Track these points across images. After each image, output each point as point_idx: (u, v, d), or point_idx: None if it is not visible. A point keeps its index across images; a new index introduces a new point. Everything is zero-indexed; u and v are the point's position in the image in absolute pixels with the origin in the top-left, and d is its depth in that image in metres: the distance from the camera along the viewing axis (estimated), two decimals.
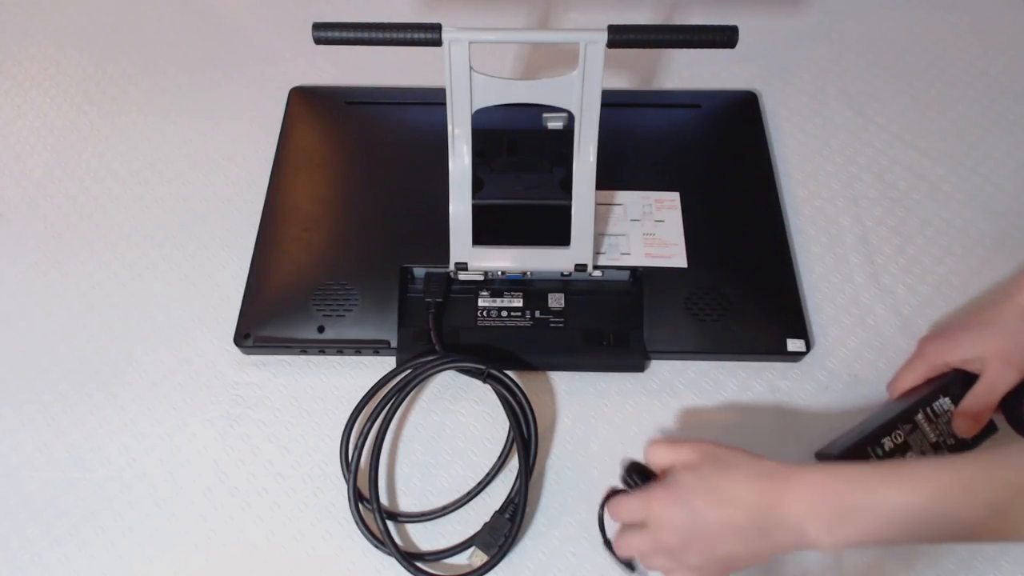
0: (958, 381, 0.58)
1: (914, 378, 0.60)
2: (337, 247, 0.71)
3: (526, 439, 0.62)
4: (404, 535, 0.61)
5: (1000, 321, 0.57)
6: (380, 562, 0.59)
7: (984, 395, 0.56)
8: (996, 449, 0.48)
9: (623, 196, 0.73)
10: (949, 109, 0.84)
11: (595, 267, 0.68)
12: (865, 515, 0.43)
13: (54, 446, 0.64)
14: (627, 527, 0.51)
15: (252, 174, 0.78)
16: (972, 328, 0.58)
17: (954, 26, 0.90)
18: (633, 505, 0.50)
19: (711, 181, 0.75)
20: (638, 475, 0.52)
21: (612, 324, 0.67)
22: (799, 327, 0.67)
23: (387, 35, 0.57)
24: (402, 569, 0.58)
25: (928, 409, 0.58)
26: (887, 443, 0.57)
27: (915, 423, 0.58)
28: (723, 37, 0.58)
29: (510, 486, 0.61)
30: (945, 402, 0.58)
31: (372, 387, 0.64)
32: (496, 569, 0.58)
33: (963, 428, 0.57)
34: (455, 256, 0.67)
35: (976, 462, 0.44)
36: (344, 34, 0.58)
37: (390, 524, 0.59)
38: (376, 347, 0.67)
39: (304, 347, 0.67)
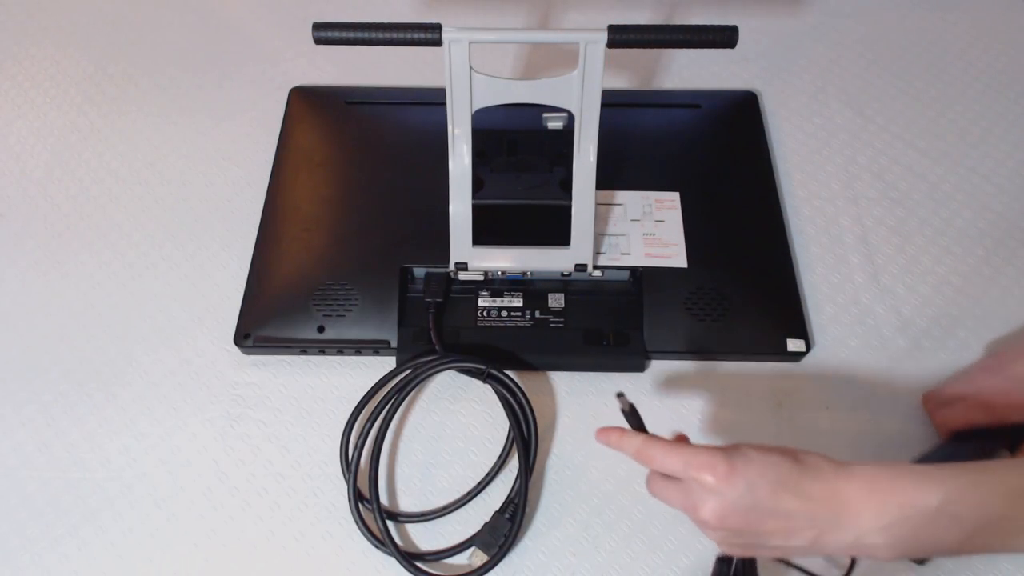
0: (1016, 434, 0.58)
1: (965, 410, 0.58)
2: (337, 247, 0.71)
3: (526, 439, 0.62)
4: (404, 535, 0.61)
5: None
6: (380, 562, 0.59)
7: None
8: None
9: (623, 196, 0.73)
10: (949, 109, 0.84)
11: (595, 267, 0.68)
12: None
13: (54, 446, 0.64)
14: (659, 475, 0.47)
15: (252, 174, 0.78)
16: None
17: (954, 26, 0.90)
18: (672, 462, 0.46)
19: (711, 181, 0.75)
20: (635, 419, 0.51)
21: (612, 324, 0.67)
22: (799, 327, 0.67)
23: (387, 35, 0.57)
24: (402, 569, 0.58)
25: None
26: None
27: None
28: (723, 37, 0.58)
29: (510, 486, 0.61)
30: (1004, 455, 0.58)
31: (372, 387, 0.64)
32: (496, 569, 0.58)
33: None
34: (455, 256, 0.67)
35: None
36: (344, 34, 0.58)
37: (390, 524, 0.59)
38: (376, 347, 0.67)
39: (304, 347, 0.67)
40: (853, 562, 0.55)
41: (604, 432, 0.49)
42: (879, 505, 0.42)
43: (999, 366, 0.59)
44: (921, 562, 0.56)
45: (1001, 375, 0.59)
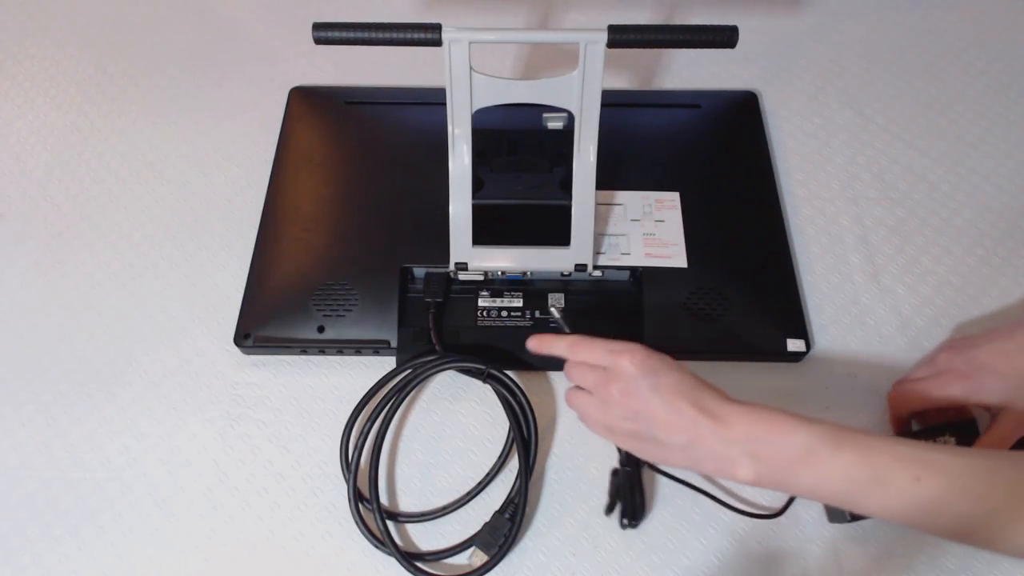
0: (965, 425, 0.58)
1: (927, 390, 0.58)
2: (337, 247, 0.71)
3: (526, 439, 0.62)
4: (404, 535, 0.61)
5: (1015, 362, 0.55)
6: (380, 562, 0.59)
7: (994, 445, 0.55)
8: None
9: (623, 196, 0.73)
10: (949, 109, 0.84)
11: (595, 267, 0.68)
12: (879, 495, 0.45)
13: (54, 446, 0.64)
14: (580, 370, 0.54)
15: (252, 174, 0.78)
16: (998, 375, 0.55)
17: (954, 26, 0.90)
18: (597, 349, 0.52)
19: (711, 181, 0.75)
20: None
21: (612, 324, 0.67)
22: (799, 327, 0.67)
23: (387, 35, 0.57)
24: (402, 569, 0.58)
25: (930, 437, 0.59)
26: None
27: None
28: (723, 37, 0.58)
29: (510, 486, 0.61)
30: (949, 442, 0.58)
31: (372, 387, 0.64)
32: (496, 569, 0.58)
33: None
34: (455, 256, 0.67)
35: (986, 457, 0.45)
36: (344, 34, 0.58)
37: (390, 524, 0.59)
38: (376, 347, 0.67)
39: (304, 347, 0.67)
40: (790, 500, 0.60)
41: (536, 339, 0.57)
42: (752, 427, 0.47)
43: (961, 351, 0.58)
44: (853, 519, 0.57)
45: (962, 357, 0.58)
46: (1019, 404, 0.55)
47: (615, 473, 0.59)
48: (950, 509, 0.44)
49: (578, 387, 0.54)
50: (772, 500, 0.61)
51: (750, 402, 0.49)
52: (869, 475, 0.45)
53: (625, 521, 0.59)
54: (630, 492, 0.58)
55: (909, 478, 0.44)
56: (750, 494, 0.61)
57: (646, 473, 0.60)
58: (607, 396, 0.51)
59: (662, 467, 0.60)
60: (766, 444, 0.47)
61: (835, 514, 0.59)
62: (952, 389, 0.57)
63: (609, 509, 0.60)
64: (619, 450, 0.58)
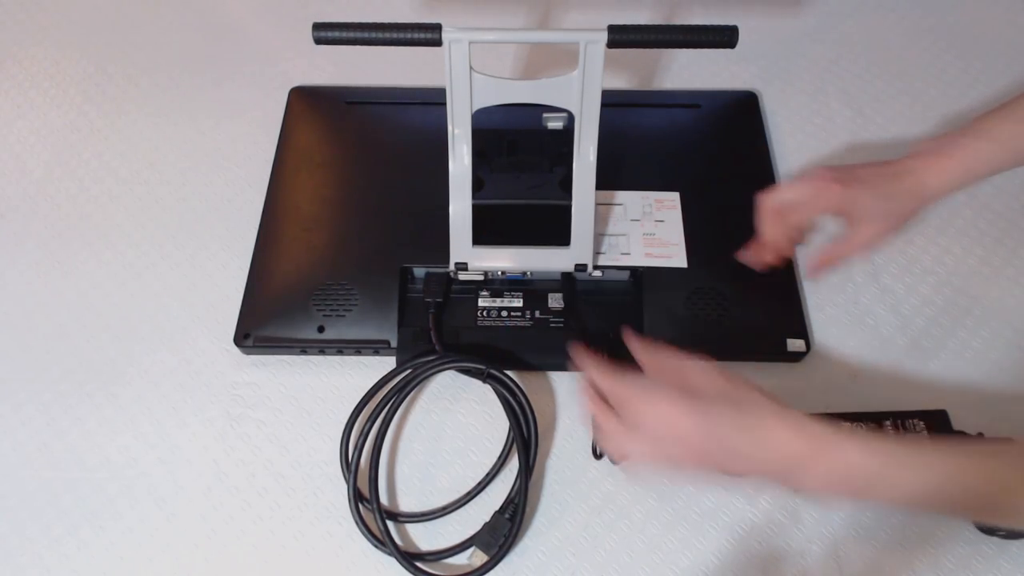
0: (937, 418, 0.61)
1: (792, 193, 0.61)
2: (337, 247, 0.71)
3: (526, 439, 0.62)
4: (404, 535, 0.61)
5: (896, 190, 0.58)
6: (380, 562, 0.59)
7: (848, 240, 0.60)
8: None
9: (623, 196, 0.73)
10: (949, 109, 0.84)
11: (595, 267, 0.68)
12: (881, 493, 0.47)
13: (54, 446, 0.64)
14: (604, 406, 0.52)
15: (252, 174, 0.78)
16: (868, 186, 0.58)
17: (954, 26, 0.90)
18: (624, 390, 0.51)
19: (711, 181, 0.75)
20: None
21: (612, 324, 0.67)
22: (799, 327, 0.67)
23: (387, 35, 0.57)
24: (402, 569, 0.58)
25: (899, 421, 0.61)
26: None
27: (882, 427, 0.61)
28: (723, 37, 0.58)
29: (510, 486, 0.61)
30: (919, 425, 0.61)
31: (372, 387, 0.64)
32: (496, 569, 0.58)
33: (811, 265, 0.64)
34: (455, 256, 0.67)
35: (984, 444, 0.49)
36: (344, 34, 0.58)
37: (390, 524, 0.59)
38: (376, 347, 0.67)
39: (304, 347, 0.67)
40: None
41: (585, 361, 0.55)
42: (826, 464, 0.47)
43: (839, 168, 0.60)
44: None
45: (841, 170, 0.60)
46: (880, 218, 0.59)
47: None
48: (959, 490, 0.46)
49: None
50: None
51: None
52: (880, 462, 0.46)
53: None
54: None
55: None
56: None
57: None
58: (666, 455, 0.51)
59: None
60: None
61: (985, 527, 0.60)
62: (829, 192, 0.59)
63: (596, 452, 0.63)
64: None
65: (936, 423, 0.61)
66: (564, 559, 0.59)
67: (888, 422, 0.61)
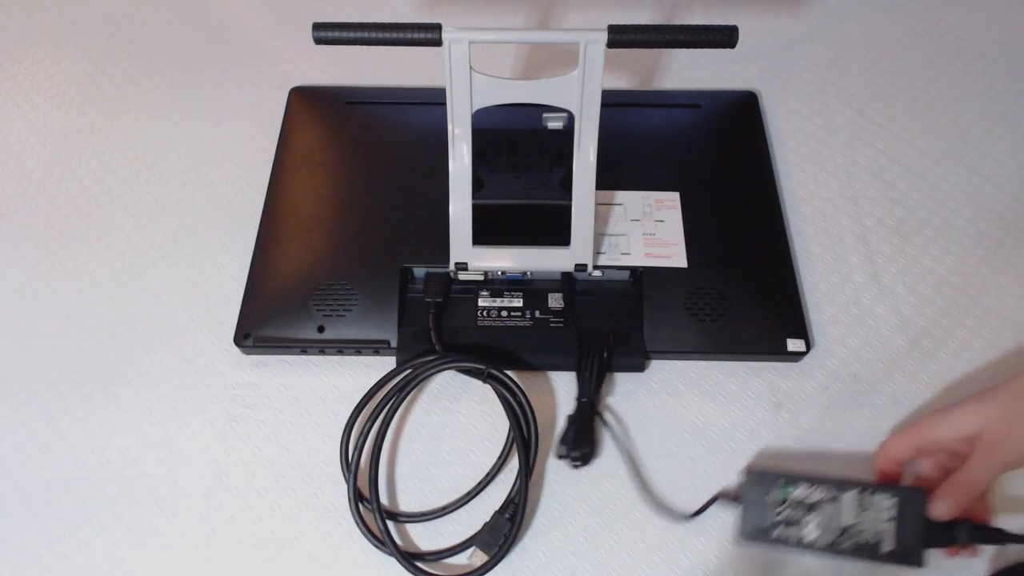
0: (918, 496, 0.53)
1: (902, 445, 0.56)
2: (337, 247, 0.71)
3: (526, 439, 0.62)
4: (404, 535, 0.61)
5: (998, 396, 0.53)
6: (380, 562, 0.59)
7: (976, 469, 0.52)
8: None
9: (623, 196, 0.73)
10: (949, 109, 0.84)
11: (595, 267, 0.68)
12: None
13: (54, 446, 0.64)
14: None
15: (252, 174, 0.78)
16: (970, 402, 0.54)
17: (954, 26, 0.90)
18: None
19: (711, 181, 0.75)
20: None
21: (612, 324, 0.67)
22: (799, 327, 0.67)
23: (387, 35, 0.57)
24: (402, 569, 0.58)
25: (865, 492, 0.53)
26: (798, 491, 0.54)
27: (838, 497, 0.53)
28: (723, 37, 0.58)
29: (510, 486, 0.61)
30: (889, 502, 0.53)
31: (372, 387, 0.64)
32: (496, 569, 0.58)
33: (940, 509, 0.52)
34: (455, 256, 0.67)
35: None
36: (344, 34, 0.58)
37: (390, 524, 0.59)
38: (376, 347, 0.67)
39: (304, 347, 0.67)
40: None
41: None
42: None
43: (945, 414, 0.56)
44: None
45: (947, 422, 0.55)
46: (1002, 439, 0.52)
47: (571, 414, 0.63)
48: None
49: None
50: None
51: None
52: None
53: (575, 454, 0.61)
54: (580, 425, 0.61)
55: None
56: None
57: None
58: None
59: None
60: None
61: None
62: (929, 430, 0.55)
63: (562, 446, 0.62)
64: (579, 381, 0.63)
65: None
66: (564, 559, 0.59)
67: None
